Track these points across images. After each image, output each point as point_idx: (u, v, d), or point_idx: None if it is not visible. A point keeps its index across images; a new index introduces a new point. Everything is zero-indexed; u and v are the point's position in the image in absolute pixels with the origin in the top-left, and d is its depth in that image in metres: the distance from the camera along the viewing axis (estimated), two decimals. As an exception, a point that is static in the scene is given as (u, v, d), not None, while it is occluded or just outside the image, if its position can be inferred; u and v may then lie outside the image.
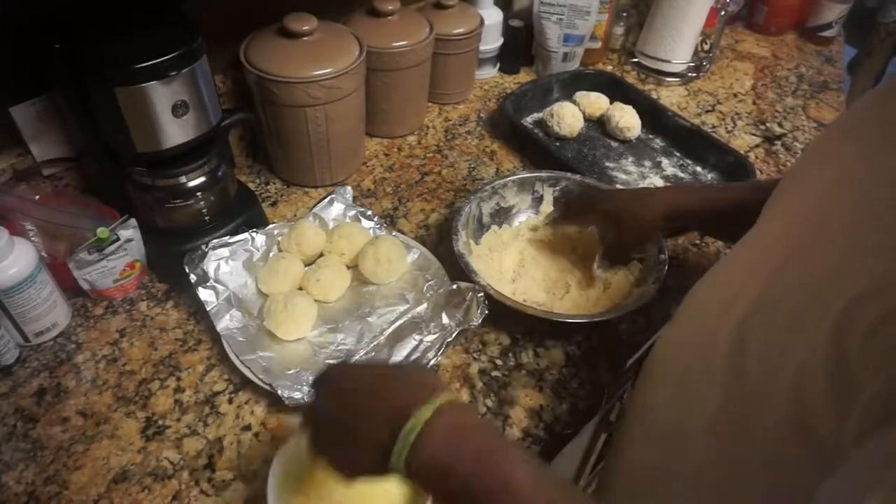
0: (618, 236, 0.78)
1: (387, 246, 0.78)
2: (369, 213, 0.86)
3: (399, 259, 0.79)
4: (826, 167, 0.47)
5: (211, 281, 0.73)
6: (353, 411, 0.43)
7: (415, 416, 0.39)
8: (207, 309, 0.71)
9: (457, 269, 0.77)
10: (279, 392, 0.64)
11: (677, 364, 0.58)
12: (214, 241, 0.75)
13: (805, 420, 0.38)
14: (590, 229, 0.84)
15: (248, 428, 0.65)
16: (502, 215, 0.89)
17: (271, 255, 0.80)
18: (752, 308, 0.45)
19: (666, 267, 0.76)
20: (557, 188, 0.89)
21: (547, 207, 0.90)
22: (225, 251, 0.76)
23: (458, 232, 0.79)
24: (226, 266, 0.76)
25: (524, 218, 0.90)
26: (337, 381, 0.46)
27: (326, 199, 0.86)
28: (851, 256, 0.37)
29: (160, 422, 0.65)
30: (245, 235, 0.78)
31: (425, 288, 0.78)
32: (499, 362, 0.73)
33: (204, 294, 0.72)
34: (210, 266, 0.74)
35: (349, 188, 0.88)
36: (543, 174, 0.89)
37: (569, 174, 0.89)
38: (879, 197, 0.38)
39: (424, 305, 0.76)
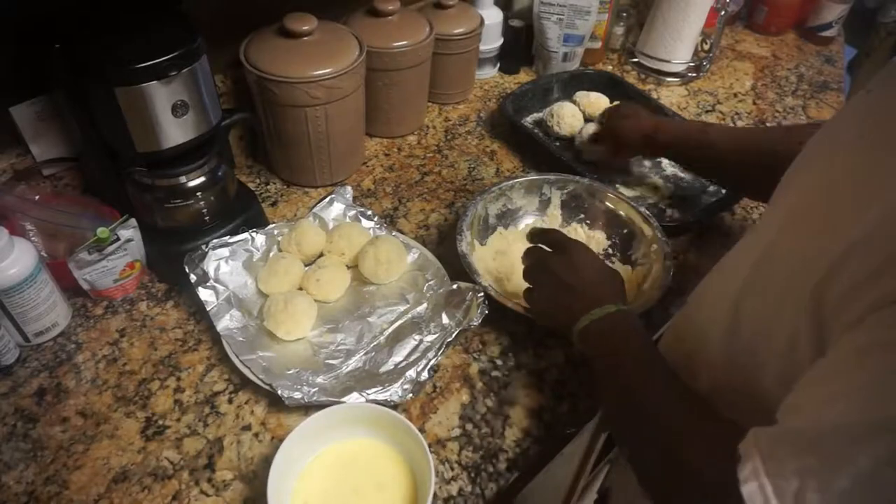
0: (609, 123, 0.95)
1: (387, 246, 0.78)
2: (369, 213, 0.86)
3: (399, 259, 0.79)
4: (815, 163, 0.50)
5: (211, 281, 0.73)
6: (570, 293, 0.64)
7: (597, 309, 0.60)
8: (207, 309, 0.71)
9: (457, 269, 0.77)
10: (279, 392, 0.64)
11: (679, 352, 0.61)
12: (214, 241, 0.75)
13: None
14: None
15: (248, 428, 0.65)
16: (509, 217, 0.88)
17: (271, 255, 0.80)
18: (742, 292, 0.51)
19: (671, 273, 0.76)
20: (566, 191, 0.89)
21: (554, 210, 0.90)
22: (225, 251, 0.76)
23: (462, 232, 0.79)
24: (226, 266, 0.76)
25: (531, 220, 0.89)
26: (563, 267, 0.66)
27: (326, 199, 0.86)
28: (827, 238, 0.41)
29: (160, 422, 0.65)
30: (245, 235, 0.78)
31: (425, 288, 0.78)
32: (499, 362, 0.73)
33: (204, 294, 0.72)
34: (210, 266, 0.74)
35: (349, 188, 0.88)
36: (552, 177, 0.89)
37: (577, 177, 0.89)
38: (861, 178, 0.42)
39: (424, 305, 0.76)
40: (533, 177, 0.89)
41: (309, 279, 0.76)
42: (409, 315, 0.75)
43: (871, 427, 0.33)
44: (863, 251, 0.37)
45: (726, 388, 0.52)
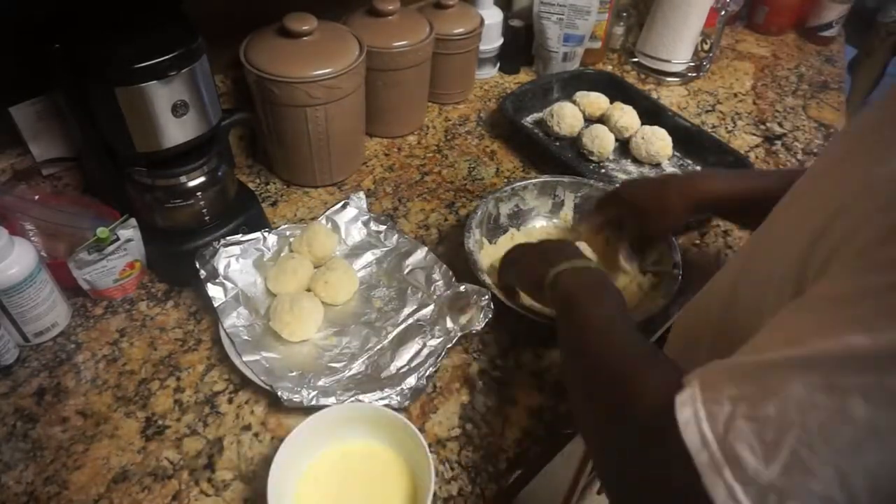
0: (642, 228, 0.78)
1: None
2: (382, 218, 0.86)
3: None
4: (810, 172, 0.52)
5: (220, 278, 0.73)
6: (530, 257, 0.70)
7: (558, 265, 0.62)
8: (215, 305, 0.71)
9: (457, 268, 0.77)
10: (279, 394, 0.64)
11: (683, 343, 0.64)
12: (227, 238, 0.75)
13: None
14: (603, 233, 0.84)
15: (248, 428, 0.65)
16: (520, 217, 0.88)
17: (282, 255, 0.79)
18: (738, 276, 0.56)
19: (678, 283, 0.75)
20: (579, 194, 0.88)
21: (567, 213, 0.89)
22: (236, 249, 0.76)
23: (471, 229, 0.79)
24: (236, 264, 0.76)
25: (543, 223, 0.89)
26: (525, 246, 0.73)
27: (340, 204, 0.85)
28: (809, 214, 0.44)
29: (160, 422, 0.65)
30: (257, 234, 0.78)
31: (433, 289, 0.77)
32: (499, 362, 0.73)
33: (212, 290, 0.72)
34: (220, 263, 0.74)
35: (362, 194, 0.87)
36: (566, 179, 0.88)
37: (591, 181, 0.88)
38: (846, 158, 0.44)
39: (431, 307, 0.75)
40: (546, 178, 0.88)
41: (317, 281, 0.76)
42: (415, 318, 0.74)
43: (805, 361, 0.33)
44: (843, 217, 0.38)
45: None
